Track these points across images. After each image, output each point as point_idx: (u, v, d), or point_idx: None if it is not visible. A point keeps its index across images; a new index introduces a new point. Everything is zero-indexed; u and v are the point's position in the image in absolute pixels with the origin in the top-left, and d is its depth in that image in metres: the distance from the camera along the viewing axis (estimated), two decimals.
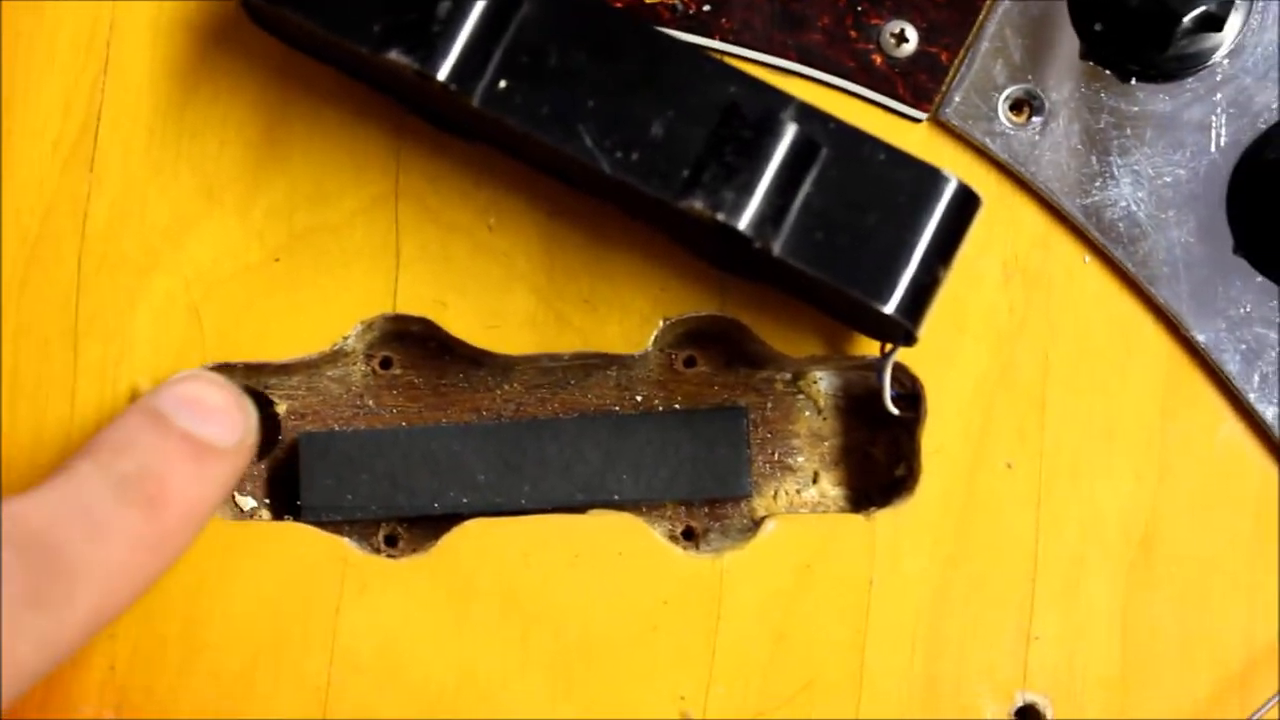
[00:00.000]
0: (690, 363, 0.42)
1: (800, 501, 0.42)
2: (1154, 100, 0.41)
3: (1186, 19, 0.39)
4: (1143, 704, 0.40)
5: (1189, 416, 0.41)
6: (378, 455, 0.41)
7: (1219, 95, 0.41)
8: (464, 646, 0.40)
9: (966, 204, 0.37)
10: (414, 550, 0.41)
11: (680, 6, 0.40)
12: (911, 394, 0.41)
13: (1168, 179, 0.40)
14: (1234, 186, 0.40)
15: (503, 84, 0.37)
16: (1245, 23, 0.40)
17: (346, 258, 0.40)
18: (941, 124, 0.41)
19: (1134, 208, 0.40)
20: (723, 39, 0.40)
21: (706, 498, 0.42)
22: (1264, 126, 0.40)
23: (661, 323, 0.41)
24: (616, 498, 0.41)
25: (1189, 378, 0.41)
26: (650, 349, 0.41)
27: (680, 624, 0.40)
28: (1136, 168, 0.41)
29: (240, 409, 0.38)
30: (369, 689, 0.40)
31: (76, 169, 0.40)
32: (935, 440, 0.41)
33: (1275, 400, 0.40)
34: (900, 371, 0.41)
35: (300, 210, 0.40)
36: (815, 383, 0.43)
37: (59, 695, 0.40)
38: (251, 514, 0.42)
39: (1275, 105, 0.40)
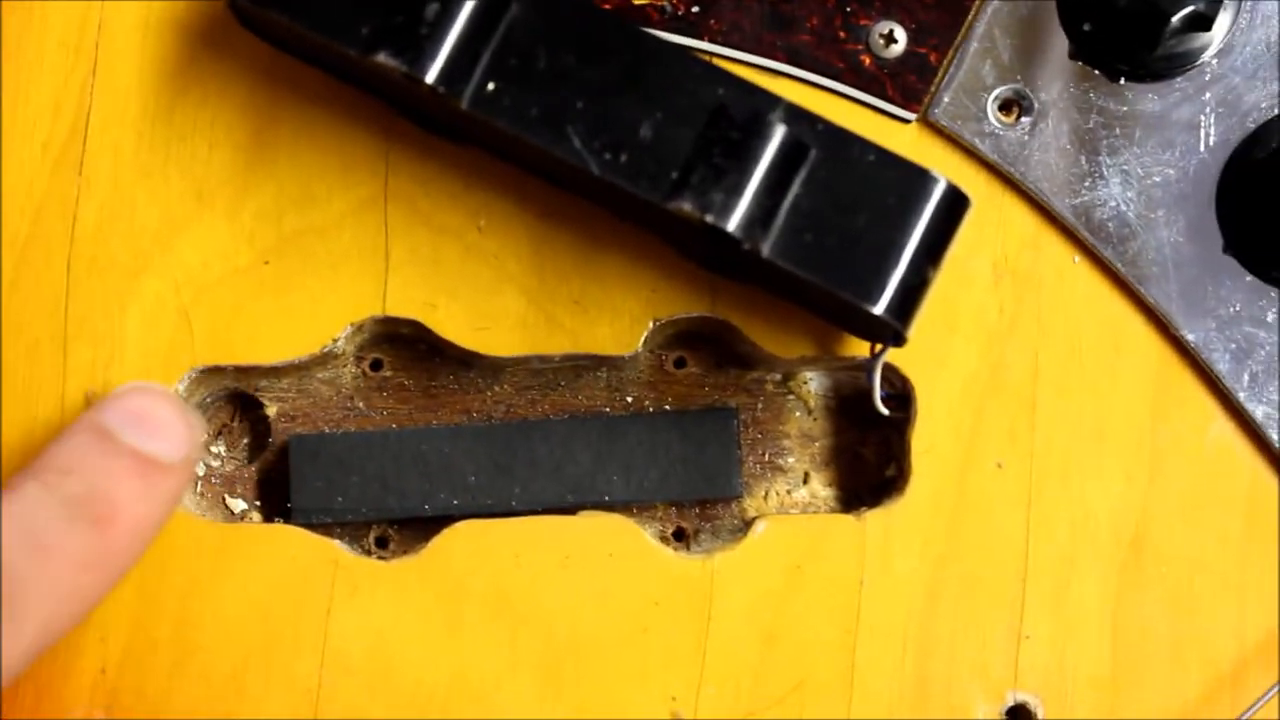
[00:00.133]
0: (680, 364, 0.42)
1: (791, 502, 0.42)
2: (1143, 100, 0.41)
3: (1175, 18, 0.39)
4: (1133, 703, 0.40)
5: (1179, 416, 0.41)
6: (368, 457, 0.41)
7: (1208, 95, 0.41)
8: (455, 648, 0.40)
9: (956, 204, 0.37)
10: (405, 552, 0.41)
11: (669, 8, 0.40)
12: (902, 394, 0.41)
13: (1157, 179, 0.40)
14: (1223, 186, 0.40)
15: (491, 86, 0.37)
16: (1234, 22, 0.40)
17: (336, 260, 0.40)
18: (930, 124, 0.41)
19: (1123, 207, 0.40)
20: (711, 40, 0.40)
21: (697, 498, 0.42)
22: (1253, 126, 0.40)
23: (652, 324, 0.41)
24: (607, 499, 0.41)
25: (1179, 377, 0.41)
26: (640, 350, 0.41)
27: (671, 625, 0.40)
28: (1126, 167, 0.41)
29: (186, 423, 0.38)
30: (360, 690, 0.40)
31: (66, 171, 0.40)
32: (925, 440, 0.41)
33: (1265, 399, 0.40)
34: (890, 372, 0.41)
35: (289, 213, 0.40)
36: (805, 383, 0.43)
37: (50, 697, 0.40)
38: (242, 516, 0.42)
39: (1264, 104, 0.40)
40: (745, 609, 0.40)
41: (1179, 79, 0.41)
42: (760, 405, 0.42)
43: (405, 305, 0.41)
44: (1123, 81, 0.41)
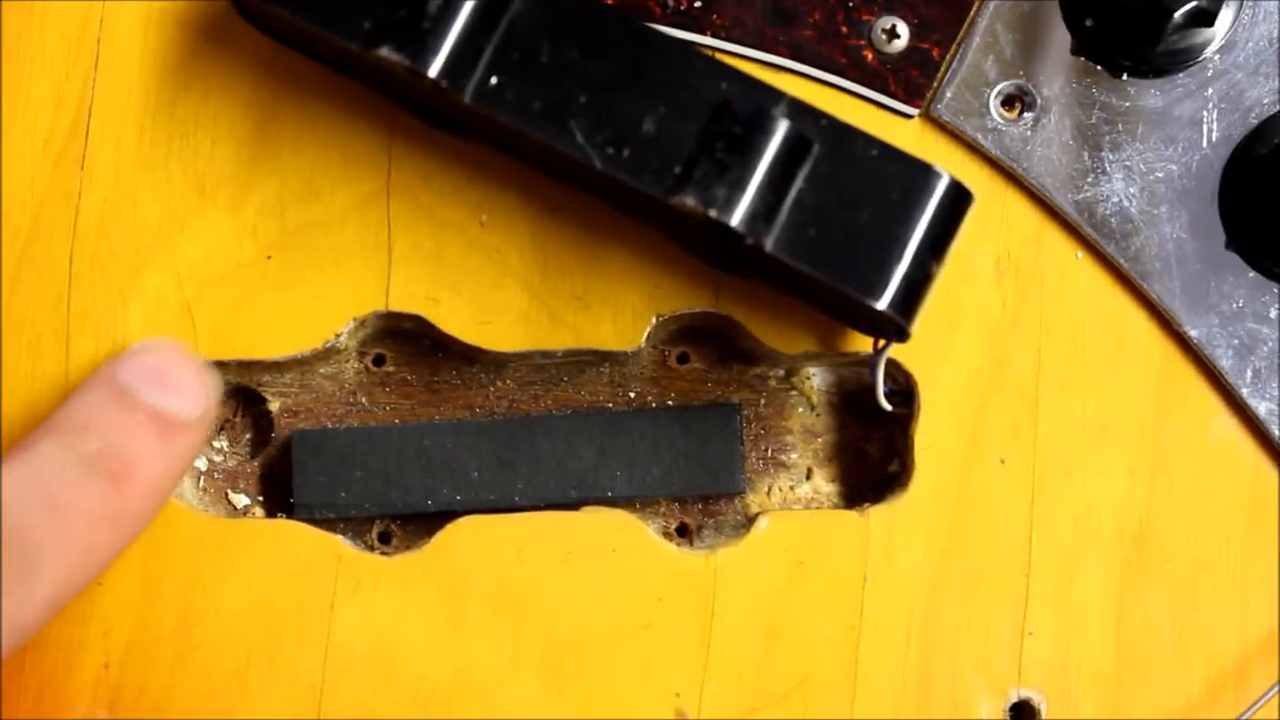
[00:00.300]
0: (683, 359, 0.42)
1: (794, 498, 0.42)
2: (1145, 96, 0.41)
3: (1178, 14, 0.39)
4: (1137, 700, 0.40)
5: (1182, 412, 0.41)
6: (371, 452, 0.41)
7: (1210, 90, 0.41)
8: (458, 644, 0.40)
9: (959, 200, 0.37)
10: (407, 548, 0.41)
11: (671, 2, 0.40)
12: (905, 390, 0.41)
13: (1159, 174, 0.40)
14: (1226, 182, 0.40)
15: (494, 80, 0.37)
16: (1236, 18, 0.40)
17: (339, 255, 0.40)
18: (933, 120, 0.41)
19: (1126, 203, 0.40)
20: (714, 35, 0.40)
21: (700, 494, 0.42)
22: (1255, 121, 0.40)
23: (655, 319, 0.41)
24: (610, 494, 0.41)
25: (1182, 373, 0.41)
26: (643, 345, 0.41)
27: (674, 621, 0.40)
28: (1128, 163, 0.41)
29: (202, 380, 0.38)
30: (363, 686, 0.40)
31: (68, 166, 0.40)
32: (928, 436, 0.41)
33: (1268, 396, 0.40)
34: (893, 367, 0.41)
35: (292, 207, 0.40)
36: (808, 379, 0.43)
37: (53, 693, 0.40)
38: (245, 512, 0.42)
39: (1267, 100, 0.40)
40: (748, 605, 0.40)
41: (1181, 75, 0.40)
42: (763, 401, 0.42)
43: (408, 300, 0.41)
44: (1125, 77, 0.41)
